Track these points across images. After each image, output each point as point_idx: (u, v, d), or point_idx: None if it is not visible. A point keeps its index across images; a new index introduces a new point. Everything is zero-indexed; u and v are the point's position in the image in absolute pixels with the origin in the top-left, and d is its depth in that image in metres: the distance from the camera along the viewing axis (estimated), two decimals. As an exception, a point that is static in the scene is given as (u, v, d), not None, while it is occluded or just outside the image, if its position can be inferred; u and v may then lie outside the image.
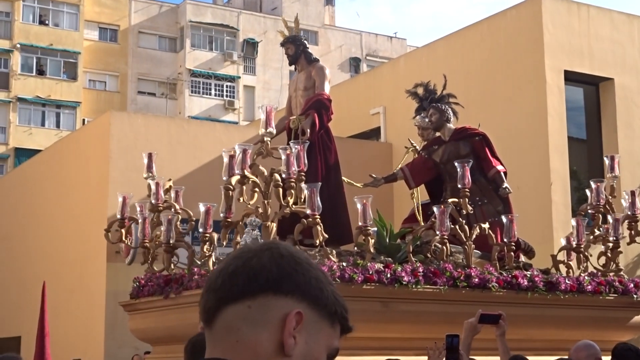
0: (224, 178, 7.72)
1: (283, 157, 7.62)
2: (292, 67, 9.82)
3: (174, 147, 16.25)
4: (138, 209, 8.77)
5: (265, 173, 7.74)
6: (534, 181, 14.62)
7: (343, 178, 9.29)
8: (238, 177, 7.68)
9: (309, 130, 8.75)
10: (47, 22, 45.80)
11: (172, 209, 8.67)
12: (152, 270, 8.56)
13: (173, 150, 16.24)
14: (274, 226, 7.58)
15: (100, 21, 47.14)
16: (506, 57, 15.94)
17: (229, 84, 47.66)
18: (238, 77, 47.90)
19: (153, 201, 8.61)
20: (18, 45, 44.36)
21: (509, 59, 15.88)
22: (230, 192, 7.67)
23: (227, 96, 47.09)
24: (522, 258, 9.41)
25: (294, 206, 7.69)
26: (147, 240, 8.62)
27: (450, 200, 8.53)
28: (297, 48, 9.58)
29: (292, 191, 7.58)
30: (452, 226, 8.37)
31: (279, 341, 1.43)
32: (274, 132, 7.98)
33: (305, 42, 9.69)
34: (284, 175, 7.57)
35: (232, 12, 49.09)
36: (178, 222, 8.67)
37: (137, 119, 17.74)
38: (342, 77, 46.68)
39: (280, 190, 7.57)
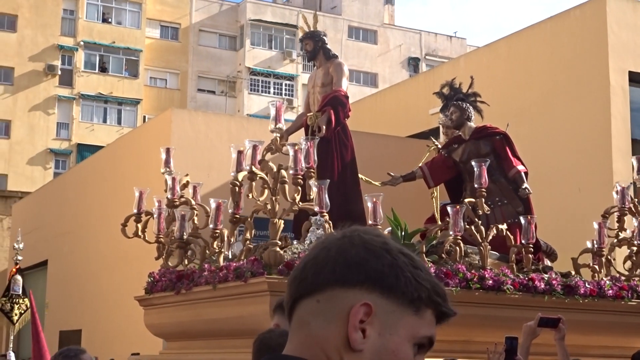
0: (232, 174, 7.67)
1: (291, 153, 7.55)
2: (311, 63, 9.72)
3: (234, 144, 16.27)
4: (156, 204, 8.79)
5: (275, 169, 7.66)
6: (596, 183, 14.24)
7: (360, 176, 9.19)
8: (245, 173, 7.62)
9: (324, 127, 8.66)
10: (110, 20, 46.52)
11: (189, 205, 8.65)
12: (167, 266, 8.57)
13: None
14: (281, 223, 7.51)
15: (161, 19, 47.69)
16: (569, 58, 15.56)
17: (287, 82, 47.83)
18: (297, 76, 48.01)
19: (169, 196, 8.61)
20: (82, 43, 45.15)
21: (572, 59, 15.50)
22: (237, 188, 7.62)
23: (285, 94, 47.20)
24: (547, 262, 9.18)
25: (301, 203, 7.60)
26: (161, 236, 8.64)
27: (466, 200, 8.36)
28: (315, 44, 9.50)
29: (299, 188, 7.50)
30: (468, 227, 8.20)
31: (347, 335, 1.38)
32: (284, 127, 7.92)
33: (324, 38, 9.60)
34: (291, 172, 7.49)
35: (292, 10, 49.20)
36: (195, 218, 8.66)
37: (198, 117, 17.88)
38: (401, 77, 46.48)
39: (287, 187, 7.49)
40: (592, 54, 15.19)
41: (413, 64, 50.91)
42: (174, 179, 8.60)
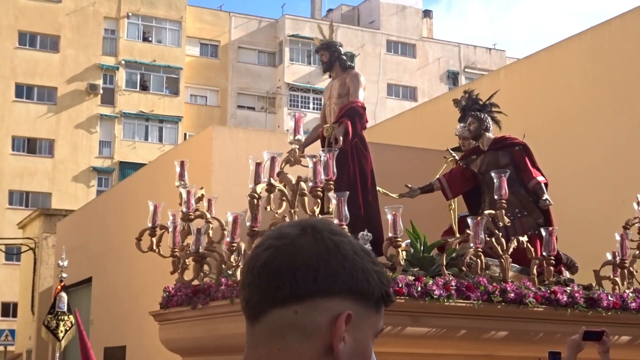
0: (250, 186, 7.58)
1: (310, 165, 7.43)
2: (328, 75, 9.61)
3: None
4: (171, 217, 8.72)
5: (293, 181, 7.55)
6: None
7: (378, 188, 9.04)
8: (264, 185, 7.52)
9: (341, 139, 8.54)
10: (150, 39, 47.00)
11: (204, 218, 8.57)
12: (182, 280, 8.48)
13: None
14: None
15: (201, 37, 48.07)
16: (610, 69, 15.22)
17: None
18: (336, 91, 47.97)
19: (184, 210, 8.53)
20: (123, 62, 45.65)
21: (613, 70, 15.17)
22: (255, 200, 7.52)
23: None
24: (568, 274, 8.95)
25: (320, 216, 7.47)
26: (176, 249, 8.56)
27: (486, 212, 8.17)
28: (331, 54, 9.40)
29: (319, 200, 7.37)
30: (488, 239, 8.00)
31: (328, 346, 1.37)
32: (302, 139, 7.80)
33: (340, 48, 9.50)
34: (310, 184, 7.37)
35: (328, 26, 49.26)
36: (210, 231, 8.58)
37: (238, 134, 17.87)
38: (440, 90, 46.26)
39: (306, 199, 7.37)
40: (634, 64, 14.84)
41: (452, 77, 50.68)
42: (188, 192, 8.53)
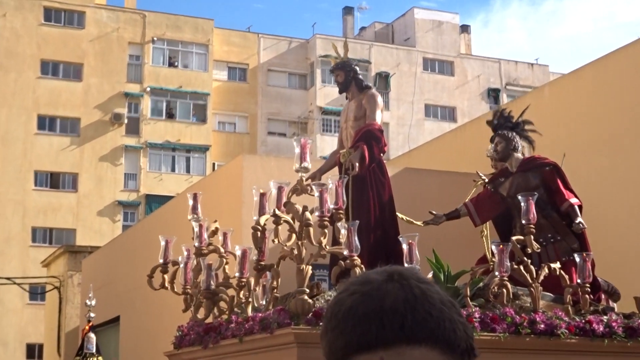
0: (254, 217, 7.57)
1: (316, 194, 7.41)
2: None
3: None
4: (185, 252, 8.75)
5: (300, 211, 7.54)
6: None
7: (399, 215, 8.98)
8: (268, 216, 7.51)
9: (357, 164, 8.50)
10: (176, 63, 47.41)
11: (218, 253, 8.58)
12: (195, 318, 8.48)
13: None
14: (309, 269, 7.35)
15: (229, 60, 48.43)
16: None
17: (362, 120, 47.86)
18: (371, 113, 47.96)
19: (196, 244, 8.56)
20: (148, 89, 46.05)
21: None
22: (259, 232, 7.51)
23: (362, 133, 47.41)
24: (610, 302, 8.79)
25: (328, 247, 7.45)
26: (188, 287, 8.57)
27: (514, 237, 8.07)
28: (347, 74, 9.36)
29: (326, 231, 7.35)
30: (517, 266, 7.91)
31: None
32: (309, 166, 7.78)
33: (357, 68, 9.46)
34: (317, 214, 7.35)
35: (364, 44, 49.42)
36: (226, 267, 8.58)
37: (270, 162, 17.88)
38: (481, 109, 46.09)
39: (311, 230, 7.35)
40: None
41: (493, 95, 50.48)
42: (200, 226, 8.55)
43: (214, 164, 45.81)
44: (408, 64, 50.05)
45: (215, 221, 8.95)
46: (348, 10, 54.26)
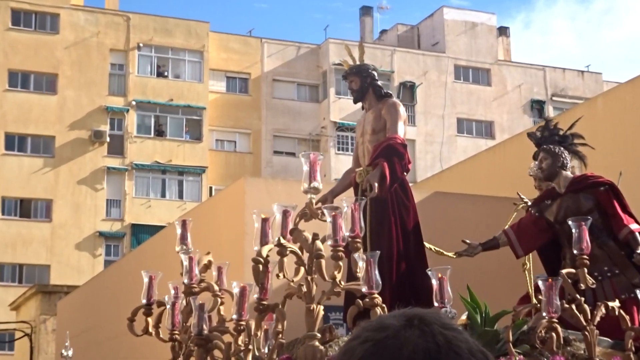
0: (255, 248, 7.41)
1: (329, 219, 7.24)
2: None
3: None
4: (172, 291, 8.59)
5: (310, 240, 7.38)
6: None
7: (427, 245, 8.85)
8: (271, 246, 7.36)
9: (376, 185, 8.37)
10: (166, 73, 47.59)
11: (211, 291, 8.42)
12: (187, 369, 8.32)
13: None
14: (320, 310, 7.19)
15: (227, 69, 48.60)
16: None
17: (383, 137, 47.87)
18: (394, 129, 48.00)
19: (186, 281, 8.39)
20: (133, 103, 46.20)
21: None
22: (261, 265, 7.35)
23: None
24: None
25: (344, 283, 7.28)
26: (177, 331, 8.40)
27: (564, 271, 7.90)
28: (363, 81, 9.26)
29: (340, 263, 7.18)
30: (568, 306, 7.73)
31: None
32: (320, 186, 7.64)
33: (374, 72, 9.35)
34: (329, 243, 7.19)
35: (385, 50, 49.51)
36: (220, 308, 8.42)
37: (277, 186, 17.83)
38: (523, 124, 46.04)
39: (323, 262, 7.19)
40: None
41: (537, 107, 50.44)
42: (191, 259, 8.38)
43: (211, 189, 45.81)
44: (437, 72, 50.06)
45: (208, 253, 8.80)
46: (366, 11, 54.45)
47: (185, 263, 8.51)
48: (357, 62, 9.52)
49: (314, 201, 7.92)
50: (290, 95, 49.20)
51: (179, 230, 8.69)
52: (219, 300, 8.46)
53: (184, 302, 8.54)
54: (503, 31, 54.26)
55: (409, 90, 49.18)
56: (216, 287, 8.52)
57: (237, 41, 49.21)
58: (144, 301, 8.67)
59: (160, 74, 47.46)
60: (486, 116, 50.28)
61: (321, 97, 49.08)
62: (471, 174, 19.29)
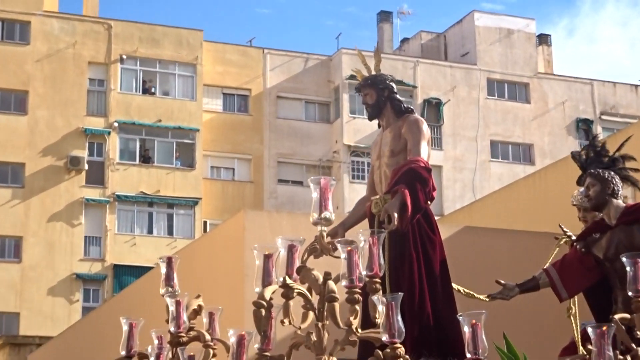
0: (256, 290, 7.34)
1: (343, 255, 7.16)
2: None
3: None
4: (155, 341, 8.51)
5: (320, 280, 7.31)
6: None
7: (456, 287, 8.78)
8: (275, 287, 7.29)
9: (396, 215, 8.29)
10: (153, 90, 47.74)
11: (201, 340, 8.34)
12: None
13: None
14: (332, 363, 7.11)
15: (224, 85, 48.76)
16: None
17: (406, 163, 47.81)
18: (418, 153, 47.99)
19: (172, 329, 8.32)
20: (115, 124, 46.27)
21: None
22: (263, 310, 7.28)
23: (405, 181, 47.33)
24: None
25: (361, 330, 7.20)
26: (161, 389, 8.32)
27: (617, 316, 7.83)
28: (379, 94, 9.17)
29: (357, 307, 7.09)
30: (622, 357, 7.66)
31: None
32: (332, 217, 7.55)
33: (393, 84, 9.28)
34: (344, 283, 7.12)
35: (406, 62, 49.58)
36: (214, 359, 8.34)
37: (281, 220, 17.77)
38: (567, 147, 45.96)
39: (336, 306, 7.11)
40: None
41: (584, 127, 50.43)
42: (178, 304, 8.31)
43: (205, 223, 45.82)
44: (467, 87, 50.08)
45: (198, 296, 8.72)
46: (385, 17, 54.57)
47: (172, 308, 8.43)
48: (373, 72, 9.43)
49: (324, 234, 7.87)
50: (297, 114, 49.30)
51: (163, 269, 8.62)
52: (211, 351, 8.38)
53: (170, 353, 8.47)
54: (543, 39, 54.29)
55: (434, 108, 49.19)
56: (207, 336, 8.45)
57: (236, 52, 49.32)
58: (122, 353, 8.59)
59: (146, 91, 47.59)
60: (524, 138, 50.25)
61: (333, 117, 49.17)
62: (507, 205, 19.29)
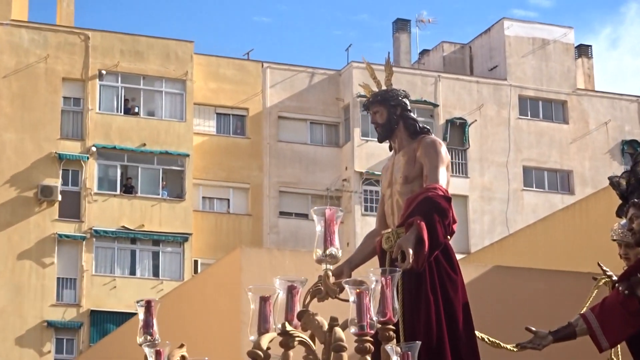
0: (251, 338, 7.35)
1: (352, 299, 7.16)
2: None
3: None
4: (136, 398, 8.51)
5: (325, 327, 7.31)
6: None
7: (479, 335, 8.75)
8: (273, 334, 7.29)
9: (411, 252, 8.26)
10: (136, 109, 47.86)
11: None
12: None
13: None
14: (340, 422, 7.11)
15: (218, 104, 48.96)
16: None
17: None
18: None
19: (151, 387, 8.29)
20: (93, 149, 46.32)
21: None
22: (260, 360, 7.27)
23: (426, 214, 47.28)
24: None
25: (371, 384, 7.20)
26: None
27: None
28: (390, 112, 9.14)
29: (368, 358, 7.09)
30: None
31: None
32: (339, 254, 7.54)
33: (406, 101, 9.26)
34: (353, 330, 7.12)
35: (426, 76, 49.65)
36: None
37: (283, 258, 17.77)
38: (612, 173, 45.73)
39: (345, 356, 7.11)
40: None
41: (629, 151, 50.40)
42: (158, 354, 8.29)
43: (196, 263, 45.88)
44: (496, 105, 50.14)
45: (182, 346, 8.70)
46: (402, 25, 54.66)
47: (151, 359, 8.43)
48: (383, 87, 9.42)
49: (330, 274, 7.86)
50: (302, 137, 49.45)
51: (141, 315, 8.59)
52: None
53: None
54: (583, 51, 54.42)
55: (458, 129, 49.25)
56: (193, 395, 8.45)
57: (231, 66, 49.46)
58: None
59: (129, 111, 47.70)
60: (562, 164, 50.29)
61: (342, 140, 49.31)
62: (542, 241, 19.30)
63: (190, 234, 46.45)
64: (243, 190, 48.57)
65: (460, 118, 49.40)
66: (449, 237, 8.78)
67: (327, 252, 7.60)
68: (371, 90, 9.51)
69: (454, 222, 8.79)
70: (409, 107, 9.31)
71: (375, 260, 9.10)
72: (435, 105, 48.92)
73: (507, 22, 52.02)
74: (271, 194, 48.36)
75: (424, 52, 54.86)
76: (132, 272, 46.00)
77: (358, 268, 9.01)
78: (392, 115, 9.24)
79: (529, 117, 50.62)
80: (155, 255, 46.49)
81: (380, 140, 9.47)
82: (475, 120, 49.59)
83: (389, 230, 8.85)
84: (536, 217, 33.65)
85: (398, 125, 9.23)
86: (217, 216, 48.06)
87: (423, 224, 8.51)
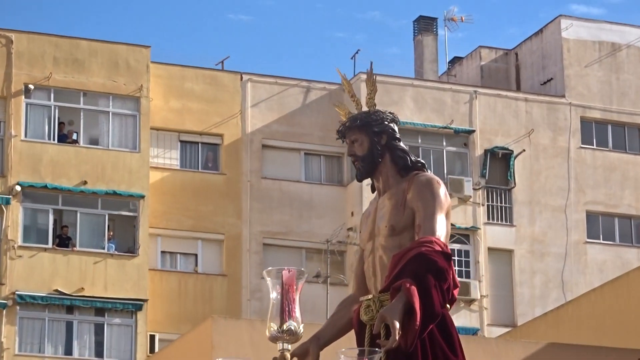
0: None
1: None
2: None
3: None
4: None
5: None
6: None
7: None
8: None
9: (397, 325, 8.07)
10: (74, 136, 48.06)
11: None
12: None
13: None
14: None
15: (182, 129, 49.37)
16: None
17: (458, 246, 47.81)
18: (476, 229, 48.05)
19: None
20: (17, 189, 46.53)
21: None
22: None
23: (460, 273, 47.22)
24: None
25: None
26: None
27: None
28: (372, 141, 8.92)
29: None
30: None
31: None
32: (299, 330, 7.43)
33: (394, 126, 9.03)
34: None
35: (457, 92, 50.01)
36: None
37: (265, 331, 18.08)
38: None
39: None
40: None
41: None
42: None
43: (152, 339, 45.96)
44: (551, 131, 50.41)
45: None
46: (426, 25, 54.99)
47: None
48: (364, 108, 9.21)
49: (287, 356, 7.77)
50: (294, 173, 49.93)
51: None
52: None
53: None
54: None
55: (500, 162, 49.60)
56: None
57: (200, 79, 49.85)
58: None
59: (64, 138, 47.93)
60: (638, 208, 50.56)
61: (347, 177, 49.59)
62: (612, 309, 19.41)
63: (145, 301, 46.71)
64: (215, 243, 48.93)
65: (503, 147, 49.58)
66: (448, 306, 8.62)
67: (285, 327, 7.51)
68: (349, 112, 9.30)
69: (455, 286, 8.62)
70: (398, 135, 9.10)
71: (351, 335, 8.96)
72: (471, 131, 49.06)
73: (565, 21, 52.20)
74: (252, 247, 48.65)
75: (456, 60, 55.12)
76: (68, 351, 46.28)
77: (328, 346, 8.88)
78: (375, 146, 9.02)
79: (594, 147, 50.94)
80: (99, 329, 46.78)
81: (360, 179, 9.22)
82: (524, 150, 49.84)
83: (370, 296, 8.70)
84: (603, 278, 33.62)
85: (383, 159, 9.01)
86: (182, 277, 48.38)
87: (414, 289, 8.35)
